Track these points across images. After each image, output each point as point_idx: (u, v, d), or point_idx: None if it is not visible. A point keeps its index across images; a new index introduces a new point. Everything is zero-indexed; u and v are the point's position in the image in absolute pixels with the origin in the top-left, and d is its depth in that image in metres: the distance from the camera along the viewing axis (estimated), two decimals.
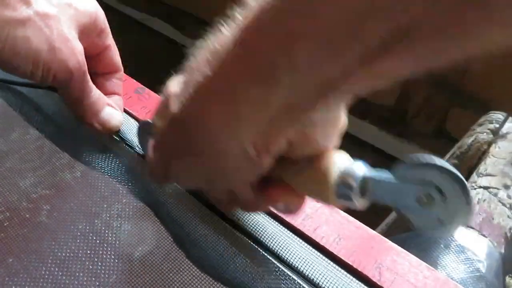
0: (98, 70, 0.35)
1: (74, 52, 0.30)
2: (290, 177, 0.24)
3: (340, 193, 0.21)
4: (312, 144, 0.22)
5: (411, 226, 0.19)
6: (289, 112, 0.19)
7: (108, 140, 0.35)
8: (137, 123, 0.36)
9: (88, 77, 0.32)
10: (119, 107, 0.36)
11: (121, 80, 0.37)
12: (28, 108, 0.37)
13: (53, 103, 0.37)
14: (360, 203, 0.21)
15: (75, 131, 0.35)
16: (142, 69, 0.67)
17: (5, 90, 0.38)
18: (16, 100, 0.37)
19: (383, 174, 0.20)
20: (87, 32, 0.32)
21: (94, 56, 0.34)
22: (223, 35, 0.19)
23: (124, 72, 0.41)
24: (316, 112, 0.19)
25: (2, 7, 0.27)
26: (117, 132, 0.35)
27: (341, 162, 0.22)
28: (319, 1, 0.15)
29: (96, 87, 0.33)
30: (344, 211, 0.31)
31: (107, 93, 0.35)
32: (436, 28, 0.14)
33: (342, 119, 0.23)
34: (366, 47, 0.15)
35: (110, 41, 0.35)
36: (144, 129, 0.32)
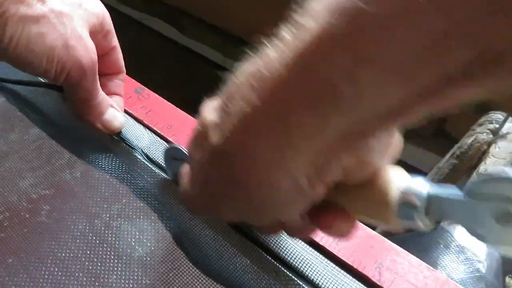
0: (102, 71, 0.35)
1: (88, 50, 0.30)
2: (344, 201, 0.22)
3: (402, 214, 0.19)
4: (368, 168, 0.20)
5: (488, 244, 0.18)
6: (348, 139, 0.17)
7: (108, 140, 0.35)
8: (165, 144, 0.35)
9: (97, 77, 0.32)
10: (120, 107, 0.36)
11: (122, 81, 0.37)
12: (28, 108, 0.37)
13: (53, 103, 0.37)
14: (425, 223, 0.19)
15: (75, 131, 0.35)
16: (141, 69, 0.67)
17: (5, 90, 0.38)
18: (16, 100, 0.37)
19: (450, 191, 0.18)
20: (94, 33, 0.32)
21: (99, 57, 0.34)
22: (270, 58, 0.17)
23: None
24: (375, 138, 0.18)
25: (17, 3, 0.27)
26: (118, 133, 0.35)
27: (400, 180, 0.20)
28: (396, 22, 0.13)
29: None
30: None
31: (109, 93, 0.35)
32: None
33: (396, 137, 0.21)
34: (442, 75, 0.13)
35: (116, 42, 0.35)
36: (171, 153, 0.31)
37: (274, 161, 0.19)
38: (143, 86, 0.40)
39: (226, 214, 0.25)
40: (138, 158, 0.34)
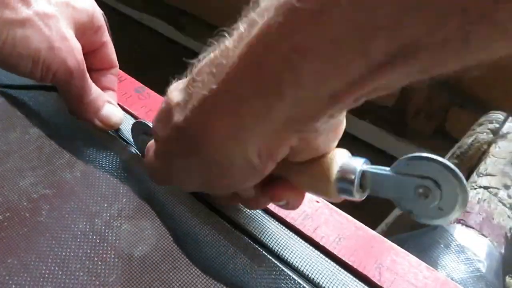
0: (94, 66, 0.36)
1: (73, 51, 0.30)
2: (292, 176, 0.24)
3: (341, 188, 0.22)
4: (315, 149, 0.23)
5: (413, 217, 0.20)
6: (293, 123, 0.19)
7: (108, 139, 0.35)
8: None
9: (88, 75, 0.32)
10: (114, 102, 0.36)
11: (116, 76, 0.37)
12: (28, 108, 0.37)
13: (53, 103, 0.37)
14: (360, 196, 0.22)
15: (75, 131, 0.35)
16: (142, 69, 0.67)
17: (5, 90, 0.38)
18: (16, 100, 0.37)
19: (381, 168, 0.21)
20: (84, 30, 0.32)
21: (91, 53, 0.35)
22: (227, 47, 0.19)
23: (124, 71, 0.41)
24: (320, 122, 0.19)
25: (2, 7, 0.28)
26: (117, 130, 0.35)
27: (340, 158, 0.22)
28: (324, 18, 0.15)
29: (92, 82, 0.34)
30: (345, 212, 0.31)
31: (102, 88, 0.35)
32: (439, 45, 0.14)
33: (343, 123, 0.23)
34: (371, 62, 0.15)
35: (107, 38, 0.35)
36: (139, 128, 0.32)
37: (228, 140, 0.21)
38: (143, 86, 0.40)
39: (185, 185, 0.27)
40: (139, 157, 0.34)
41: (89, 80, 0.33)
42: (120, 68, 0.42)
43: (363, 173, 0.21)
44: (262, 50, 0.18)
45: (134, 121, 0.33)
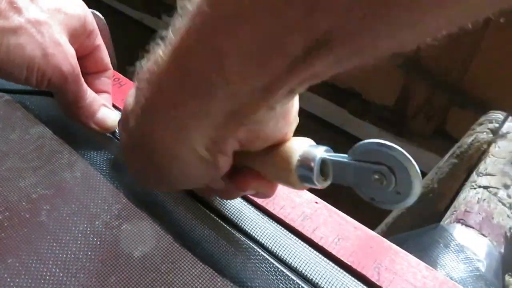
0: (88, 70, 0.36)
1: (67, 56, 0.31)
2: (255, 166, 0.25)
3: (302, 176, 0.22)
4: (265, 139, 0.23)
5: (376, 204, 0.20)
6: (232, 118, 0.20)
7: (108, 140, 0.35)
8: None
9: (82, 79, 0.33)
10: (109, 104, 0.36)
11: (110, 79, 0.38)
12: (28, 108, 0.37)
13: (53, 104, 0.37)
14: (321, 184, 0.22)
15: (75, 131, 0.35)
16: None
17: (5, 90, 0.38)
18: (15, 100, 0.37)
19: (341, 156, 0.21)
20: (77, 35, 0.33)
21: (84, 57, 0.35)
22: (159, 55, 0.20)
23: (123, 71, 0.41)
24: (260, 114, 0.20)
25: None
26: (114, 132, 0.36)
27: (301, 147, 0.23)
28: (238, 22, 0.16)
29: (87, 86, 0.34)
30: (345, 212, 0.31)
31: (97, 91, 0.36)
32: (350, 37, 0.15)
33: (293, 110, 0.24)
34: (289, 58, 0.16)
35: (99, 41, 0.36)
36: None
37: (174, 142, 0.22)
38: None
39: (153, 186, 0.28)
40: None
41: (84, 85, 0.33)
42: (120, 68, 0.42)
43: (323, 161, 0.22)
44: (186, 55, 0.18)
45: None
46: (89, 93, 0.33)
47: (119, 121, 0.26)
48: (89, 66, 0.36)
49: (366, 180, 0.20)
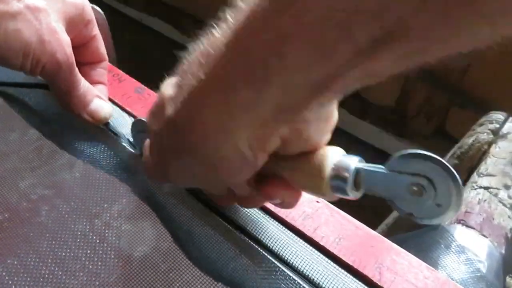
0: (84, 60, 0.36)
1: (62, 44, 0.31)
2: (285, 173, 0.24)
3: (335, 186, 0.22)
4: (306, 140, 0.22)
5: (413, 219, 0.20)
6: (282, 112, 0.19)
7: (108, 139, 0.35)
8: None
9: (76, 69, 0.33)
10: (104, 95, 0.36)
11: (105, 70, 0.38)
12: (27, 108, 0.37)
13: (52, 104, 0.37)
14: (354, 195, 0.22)
15: (74, 131, 0.35)
16: (142, 69, 0.67)
17: (4, 90, 0.38)
18: (16, 101, 0.37)
19: (375, 166, 0.21)
20: (74, 24, 0.33)
21: (80, 47, 0.35)
22: (215, 37, 0.19)
23: (124, 71, 0.41)
24: (309, 110, 0.19)
25: None
26: (107, 124, 0.36)
27: (334, 156, 0.22)
28: (307, 2, 0.15)
29: (82, 76, 0.34)
30: (346, 212, 0.31)
31: (92, 82, 0.36)
32: (423, 29, 0.14)
33: (335, 115, 0.23)
34: (355, 48, 0.15)
35: (96, 31, 0.36)
36: (137, 126, 0.32)
37: (219, 131, 0.21)
38: (143, 86, 0.40)
39: (179, 180, 0.27)
40: (138, 157, 0.34)
41: (78, 74, 0.33)
42: (120, 68, 0.42)
43: (357, 171, 0.21)
44: (248, 37, 0.18)
45: (133, 119, 0.33)
46: (83, 83, 0.34)
47: (150, 109, 0.25)
48: (85, 56, 0.36)
49: (403, 193, 0.19)
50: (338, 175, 0.21)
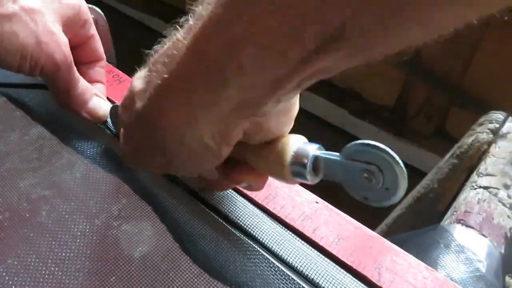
0: (82, 60, 0.36)
1: (60, 45, 0.31)
2: (250, 160, 0.26)
3: (295, 172, 0.23)
4: (267, 132, 0.24)
5: (368, 202, 0.21)
6: (242, 109, 0.20)
7: (108, 140, 0.35)
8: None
9: (75, 68, 0.33)
10: (103, 94, 0.37)
11: (103, 69, 0.38)
12: (27, 108, 0.37)
13: (53, 104, 0.37)
14: (313, 180, 0.23)
15: (75, 131, 0.35)
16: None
17: (4, 90, 0.38)
18: (16, 101, 0.37)
19: (332, 154, 0.22)
20: (71, 24, 0.33)
21: (78, 46, 0.35)
22: (178, 40, 0.21)
23: (124, 71, 0.41)
24: (268, 106, 0.20)
25: None
26: (105, 122, 0.36)
27: (295, 144, 0.24)
28: (258, 10, 0.16)
29: (81, 75, 0.34)
30: (345, 212, 0.31)
31: (91, 81, 0.36)
32: (363, 32, 0.16)
33: (295, 107, 0.24)
34: (303, 50, 0.17)
35: (93, 31, 0.36)
36: (116, 111, 0.34)
37: (182, 126, 0.22)
38: None
39: (153, 168, 0.28)
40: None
41: (76, 74, 0.33)
42: (120, 68, 0.42)
43: (316, 158, 0.23)
44: (205, 41, 0.19)
45: (112, 104, 0.35)
46: (81, 82, 0.34)
47: (122, 101, 0.26)
48: (83, 56, 0.36)
49: (356, 179, 0.21)
50: (297, 162, 0.23)
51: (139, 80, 0.24)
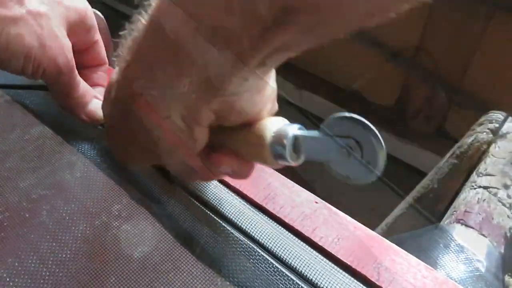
0: (85, 64, 0.37)
1: (63, 49, 0.31)
2: (230, 144, 0.25)
3: (276, 153, 0.23)
4: (240, 112, 0.23)
5: (350, 181, 0.21)
6: (206, 87, 0.21)
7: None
8: None
9: (76, 72, 0.33)
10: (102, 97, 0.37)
11: (105, 73, 0.38)
12: (28, 109, 0.37)
13: (53, 104, 0.37)
14: (294, 161, 0.23)
15: (75, 131, 0.35)
16: None
17: (4, 90, 0.38)
18: (16, 101, 0.37)
19: (312, 132, 0.22)
20: (76, 29, 0.33)
21: (83, 51, 0.36)
22: (141, 23, 0.22)
23: None
24: (234, 84, 0.21)
25: None
26: (103, 124, 0.36)
27: (275, 125, 0.23)
28: None
29: (83, 79, 0.35)
30: (344, 212, 0.31)
31: (92, 84, 0.36)
32: (314, 7, 0.16)
33: (268, 87, 0.24)
34: (261, 25, 0.17)
35: (98, 36, 0.36)
36: None
37: (151, 108, 0.22)
38: None
39: (137, 159, 0.28)
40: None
41: (78, 77, 0.34)
42: None
43: (296, 138, 0.22)
44: (161, 18, 0.20)
45: None
46: (82, 85, 0.34)
47: (103, 96, 0.27)
48: (87, 60, 0.37)
49: (336, 155, 0.20)
50: (277, 142, 0.23)
51: (115, 72, 0.25)
